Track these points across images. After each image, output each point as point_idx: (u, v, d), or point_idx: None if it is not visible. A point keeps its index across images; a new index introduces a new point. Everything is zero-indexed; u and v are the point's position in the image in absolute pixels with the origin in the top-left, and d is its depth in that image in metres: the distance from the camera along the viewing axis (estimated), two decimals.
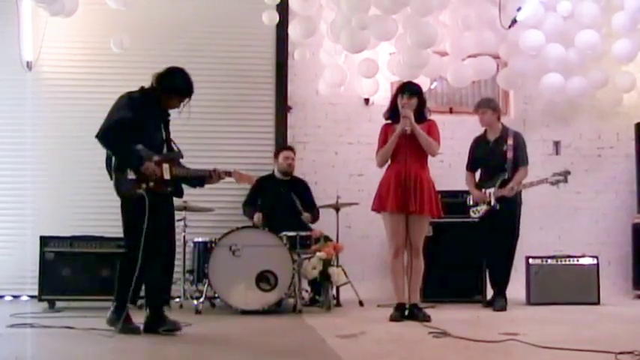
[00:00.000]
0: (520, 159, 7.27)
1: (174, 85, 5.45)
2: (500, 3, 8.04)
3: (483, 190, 7.28)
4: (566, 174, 7.04)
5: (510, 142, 7.26)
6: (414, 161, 6.12)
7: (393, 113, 6.30)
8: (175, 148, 5.61)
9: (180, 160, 5.62)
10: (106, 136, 5.22)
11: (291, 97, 8.70)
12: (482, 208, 7.26)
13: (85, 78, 8.27)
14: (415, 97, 6.18)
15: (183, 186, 5.70)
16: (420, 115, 6.21)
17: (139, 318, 5.34)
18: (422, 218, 6.14)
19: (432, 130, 6.22)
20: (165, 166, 5.38)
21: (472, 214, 7.40)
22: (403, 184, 6.04)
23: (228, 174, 5.67)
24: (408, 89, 6.23)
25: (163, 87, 5.43)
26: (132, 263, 5.16)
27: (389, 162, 6.26)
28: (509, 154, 7.23)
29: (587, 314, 6.54)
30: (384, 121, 6.40)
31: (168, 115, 5.63)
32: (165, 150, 5.52)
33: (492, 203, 7.17)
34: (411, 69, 7.90)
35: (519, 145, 7.31)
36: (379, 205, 6.21)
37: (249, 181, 5.98)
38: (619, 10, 8.02)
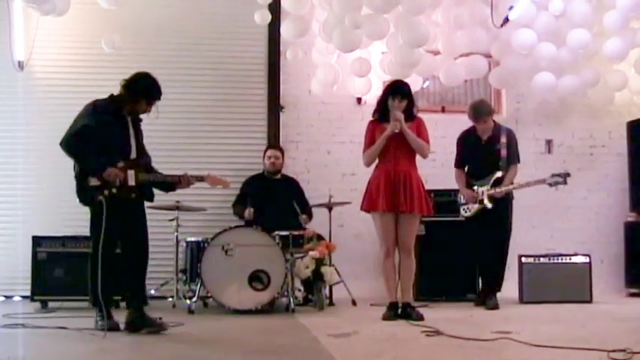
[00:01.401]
0: (512, 157, 7.26)
1: (141, 90, 5.54)
2: (492, 2, 8.06)
3: (475, 187, 7.25)
4: (565, 176, 6.97)
5: (504, 139, 7.24)
6: (403, 160, 6.11)
7: (382, 113, 6.27)
8: (145, 155, 5.69)
9: (153, 164, 5.73)
10: (67, 143, 5.35)
11: (283, 97, 8.70)
12: (475, 207, 7.23)
13: (76, 77, 8.24)
14: (406, 99, 6.17)
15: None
16: (409, 114, 6.20)
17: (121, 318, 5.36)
18: (412, 217, 6.13)
19: (421, 130, 6.22)
20: (130, 172, 5.43)
21: (463, 212, 7.35)
22: (392, 183, 6.03)
23: (200, 179, 5.76)
24: (400, 92, 6.18)
25: (131, 93, 5.52)
26: (94, 266, 5.26)
27: (377, 161, 6.25)
28: (503, 152, 7.21)
29: (579, 312, 6.56)
30: None
31: (140, 120, 5.71)
32: (134, 155, 5.56)
33: (485, 202, 7.15)
34: (403, 68, 7.90)
35: (512, 143, 7.29)
36: (369, 205, 6.18)
37: (224, 185, 6.00)
38: (610, 9, 8.04)
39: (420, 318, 5.92)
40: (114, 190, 5.32)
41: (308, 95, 8.76)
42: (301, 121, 8.77)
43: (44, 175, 8.20)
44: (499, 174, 7.13)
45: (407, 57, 7.81)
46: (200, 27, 8.56)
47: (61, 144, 5.36)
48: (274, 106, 8.64)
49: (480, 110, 7.31)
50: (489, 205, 7.10)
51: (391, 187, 6.02)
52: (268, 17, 8.04)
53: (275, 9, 8.16)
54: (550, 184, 7.02)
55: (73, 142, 5.34)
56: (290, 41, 8.32)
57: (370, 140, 6.24)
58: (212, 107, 8.49)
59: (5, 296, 7.98)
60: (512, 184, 7.13)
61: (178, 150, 8.18)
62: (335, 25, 7.59)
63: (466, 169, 7.45)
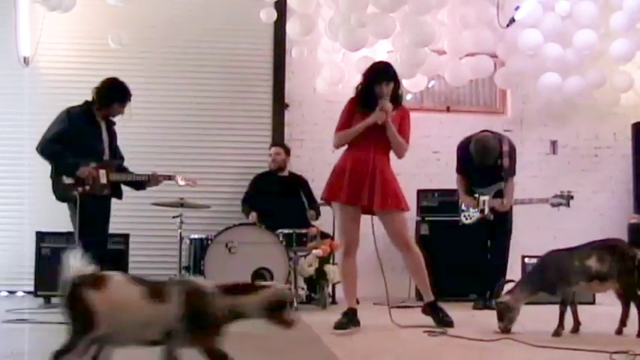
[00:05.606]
0: (512, 167, 7.22)
1: (112, 95, 6.10)
2: (498, 2, 8.07)
3: (477, 195, 7.17)
4: (568, 198, 6.95)
5: (505, 147, 7.17)
6: (378, 153, 5.38)
7: (364, 100, 5.46)
8: (118, 156, 6.27)
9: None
10: (42, 148, 5.99)
11: (288, 95, 8.70)
12: (476, 215, 7.19)
13: (82, 74, 8.22)
14: (392, 82, 5.41)
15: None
16: (395, 99, 5.45)
17: None
18: (393, 213, 5.46)
19: (404, 124, 5.47)
20: (102, 171, 6.00)
21: (463, 219, 7.26)
22: (360, 174, 5.31)
23: (168, 177, 6.30)
24: (386, 76, 5.40)
25: (103, 98, 6.08)
26: None
27: (346, 146, 5.53)
28: (505, 162, 7.15)
29: (582, 314, 6.52)
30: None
31: (113, 123, 6.22)
32: (107, 157, 6.13)
33: (486, 212, 7.11)
34: (408, 67, 7.89)
35: (512, 154, 7.24)
36: (330, 194, 5.47)
37: (193, 184, 6.50)
38: (617, 10, 8.04)
39: (448, 323, 5.46)
40: (87, 188, 5.89)
41: (313, 94, 8.75)
42: (306, 120, 8.77)
43: (49, 171, 8.19)
44: (501, 185, 7.09)
45: (412, 56, 7.80)
46: (206, 24, 8.57)
47: (37, 149, 5.98)
48: (279, 104, 8.65)
49: (490, 155, 7.03)
50: (491, 217, 7.07)
51: (357, 179, 5.30)
52: (274, 15, 8.05)
53: (281, 7, 8.16)
54: (552, 205, 6.98)
55: (48, 147, 5.94)
56: (295, 39, 8.32)
57: (345, 121, 5.49)
58: (217, 104, 8.50)
59: (9, 291, 8.01)
60: (512, 197, 7.12)
61: (182, 147, 8.20)
62: (341, 23, 7.59)
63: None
